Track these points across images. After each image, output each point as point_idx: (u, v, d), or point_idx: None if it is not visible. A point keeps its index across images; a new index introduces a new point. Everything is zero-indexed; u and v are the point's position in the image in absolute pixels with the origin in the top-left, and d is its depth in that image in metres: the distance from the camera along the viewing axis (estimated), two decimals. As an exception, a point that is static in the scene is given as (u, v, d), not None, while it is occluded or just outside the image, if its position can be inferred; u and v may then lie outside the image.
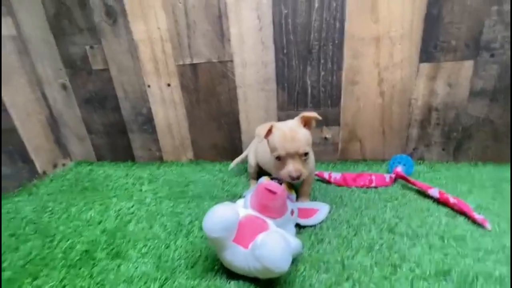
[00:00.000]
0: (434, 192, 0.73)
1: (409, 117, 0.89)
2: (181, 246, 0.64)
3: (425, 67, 0.82)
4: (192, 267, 0.58)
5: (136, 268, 0.59)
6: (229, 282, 0.54)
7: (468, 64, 0.79)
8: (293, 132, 0.61)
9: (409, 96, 0.86)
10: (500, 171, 0.85)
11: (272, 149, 0.64)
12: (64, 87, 1.07)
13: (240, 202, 0.67)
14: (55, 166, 1.12)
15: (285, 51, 0.88)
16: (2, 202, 0.89)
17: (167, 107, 1.04)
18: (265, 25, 0.86)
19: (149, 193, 0.90)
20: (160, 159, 1.14)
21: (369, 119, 0.91)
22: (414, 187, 0.79)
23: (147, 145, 1.12)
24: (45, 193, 0.95)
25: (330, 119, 0.94)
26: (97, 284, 0.55)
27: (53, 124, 1.11)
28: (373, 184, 0.82)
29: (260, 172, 0.87)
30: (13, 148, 0.97)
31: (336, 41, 0.84)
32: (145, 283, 0.55)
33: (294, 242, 0.55)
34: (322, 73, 0.88)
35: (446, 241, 0.60)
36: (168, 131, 1.08)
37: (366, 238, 0.63)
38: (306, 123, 0.64)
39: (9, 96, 0.95)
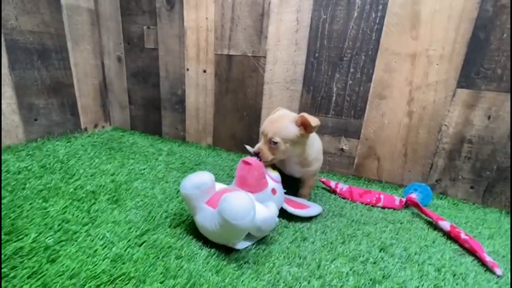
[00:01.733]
0: (445, 224, 0.66)
1: (436, 144, 0.83)
2: (171, 209, 0.68)
3: (463, 93, 0.76)
4: (174, 227, 0.61)
5: (127, 215, 0.64)
6: (202, 249, 0.55)
7: (515, 98, 0.72)
8: (279, 119, 0.65)
9: (440, 121, 0.80)
10: (537, 225, 0.73)
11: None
12: (119, 59, 1.23)
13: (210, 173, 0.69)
14: (95, 126, 1.27)
15: (316, 54, 0.89)
16: (44, 143, 1.03)
17: (199, 91, 1.11)
18: (302, 28, 0.89)
19: (163, 163, 0.97)
20: (183, 139, 1.22)
21: (392, 138, 0.87)
22: (425, 216, 0.72)
23: (175, 124, 1.21)
24: (80, 144, 1.07)
25: (350, 131, 0.91)
26: (91, 218, 0.61)
27: (103, 89, 1.27)
28: (380, 204, 0.77)
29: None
30: (67, 101, 1.12)
31: (370, 52, 0.83)
32: (129, 228, 0.59)
33: (267, 211, 0.54)
34: (350, 82, 0.87)
35: (443, 274, 0.54)
36: (195, 114, 1.15)
37: (353, 249, 0.59)
38: (303, 124, 0.62)
39: (75, 57, 1.12)
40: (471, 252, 0.59)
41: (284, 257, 0.55)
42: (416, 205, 0.75)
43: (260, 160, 0.63)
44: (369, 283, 0.50)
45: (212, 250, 0.55)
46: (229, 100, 1.07)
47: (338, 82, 0.89)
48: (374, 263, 0.55)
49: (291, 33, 0.91)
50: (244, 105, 1.05)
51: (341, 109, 0.91)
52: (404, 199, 0.77)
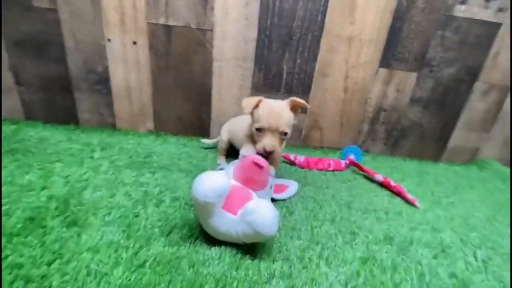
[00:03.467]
0: (379, 177, 0.86)
1: (363, 114, 1.02)
2: (152, 215, 0.60)
3: (383, 71, 0.95)
4: (167, 235, 0.56)
5: (102, 236, 0.53)
6: (210, 248, 0.54)
7: (413, 75, 0.96)
8: (280, 109, 0.64)
9: (366, 95, 0.99)
10: (422, 166, 1.06)
11: (256, 120, 0.65)
12: (-14, 19, 0.84)
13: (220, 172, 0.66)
14: (-38, 119, 0.88)
15: (267, 32, 0.89)
16: None
17: (129, 68, 0.93)
18: (252, 1, 0.85)
19: (104, 160, 0.80)
20: (113, 126, 1.02)
21: (332, 110, 1.01)
22: (363, 172, 0.92)
23: (98, 108, 0.98)
24: (-48, 151, 0.74)
25: (299, 106, 1.00)
26: (54, 253, 0.48)
27: (-36, 64, 0.87)
28: (331, 168, 0.92)
29: (230, 149, 0.88)
30: None
31: (316, 33, 0.89)
32: (116, 251, 0.50)
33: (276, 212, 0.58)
34: (299, 61, 0.93)
35: (389, 215, 0.73)
36: (126, 95, 0.97)
37: (329, 211, 0.71)
38: (293, 108, 0.66)
39: None
40: (398, 194, 0.82)
41: (284, 234, 0.61)
42: (355, 164, 0.93)
43: (268, 159, 0.63)
44: (351, 237, 0.63)
45: (221, 248, 0.54)
46: (171, 77, 0.95)
47: (288, 61, 0.93)
48: (347, 219, 0.69)
49: (241, 6, 0.85)
50: (190, 83, 0.96)
51: (291, 87, 0.97)
52: (347, 162, 0.95)
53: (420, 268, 0.56)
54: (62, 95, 0.95)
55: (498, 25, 0.88)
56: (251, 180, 0.60)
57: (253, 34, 0.89)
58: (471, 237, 0.67)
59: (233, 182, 0.60)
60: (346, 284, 0.50)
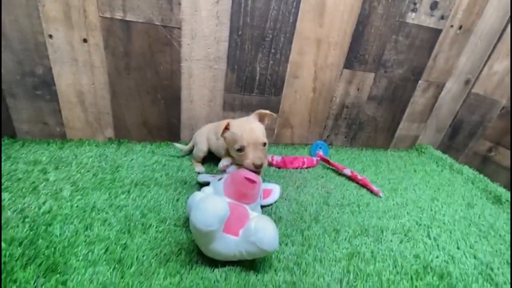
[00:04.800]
0: (347, 171, 0.95)
1: (328, 111, 1.09)
2: (142, 245, 0.56)
3: (346, 72, 1.02)
4: (165, 264, 0.53)
5: (91, 280, 0.48)
6: (213, 271, 0.53)
7: (371, 75, 1.05)
8: (251, 124, 0.66)
9: (332, 94, 1.05)
10: (376, 154, 1.20)
11: (233, 142, 0.65)
12: None
13: (208, 189, 0.65)
14: None
15: (240, 32, 0.85)
16: None
17: (80, 69, 0.79)
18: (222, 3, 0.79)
19: (63, 183, 0.69)
20: (62, 137, 0.87)
21: (302, 109, 1.05)
22: (331, 167, 1.01)
23: (41, 117, 0.83)
24: None
25: (271, 106, 1.01)
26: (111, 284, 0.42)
27: None
28: (305, 165, 0.98)
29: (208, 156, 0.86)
30: None
31: (288, 35, 0.89)
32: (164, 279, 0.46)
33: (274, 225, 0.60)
34: (271, 62, 0.92)
35: (360, 207, 0.82)
36: (78, 101, 0.83)
37: (312, 211, 0.76)
38: (260, 119, 0.71)
39: None
40: (364, 186, 0.92)
41: (279, 242, 0.64)
42: (325, 160, 1.01)
43: (258, 173, 0.63)
44: (336, 234, 0.70)
45: (224, 268, 0.54)
46: (133, 80, 0.85)
47: (261, 62, 0.91)
48: (329, 217, 0.76)
49: (211, 3, 0.79)
50: (156, 85, 0.87)
51: (263, 88, 0.96)
52: (318, 158, 1.01)
53: (393, 254, 0.66)
54: (-11, 102, 0.77)
55: (439, 31, 1.01)
56: (245, 195, 0.61)
57: (224, 33, 0.84)
58: (423, 219, 0.81)
59: (227, 200, 0.59)
60: (341, 281, 0.57)
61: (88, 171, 0.75)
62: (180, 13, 0.78)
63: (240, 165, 0.69)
